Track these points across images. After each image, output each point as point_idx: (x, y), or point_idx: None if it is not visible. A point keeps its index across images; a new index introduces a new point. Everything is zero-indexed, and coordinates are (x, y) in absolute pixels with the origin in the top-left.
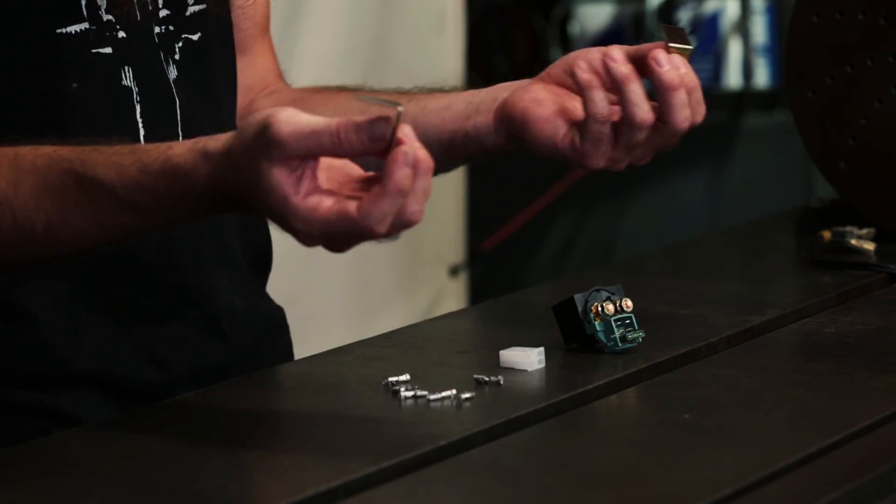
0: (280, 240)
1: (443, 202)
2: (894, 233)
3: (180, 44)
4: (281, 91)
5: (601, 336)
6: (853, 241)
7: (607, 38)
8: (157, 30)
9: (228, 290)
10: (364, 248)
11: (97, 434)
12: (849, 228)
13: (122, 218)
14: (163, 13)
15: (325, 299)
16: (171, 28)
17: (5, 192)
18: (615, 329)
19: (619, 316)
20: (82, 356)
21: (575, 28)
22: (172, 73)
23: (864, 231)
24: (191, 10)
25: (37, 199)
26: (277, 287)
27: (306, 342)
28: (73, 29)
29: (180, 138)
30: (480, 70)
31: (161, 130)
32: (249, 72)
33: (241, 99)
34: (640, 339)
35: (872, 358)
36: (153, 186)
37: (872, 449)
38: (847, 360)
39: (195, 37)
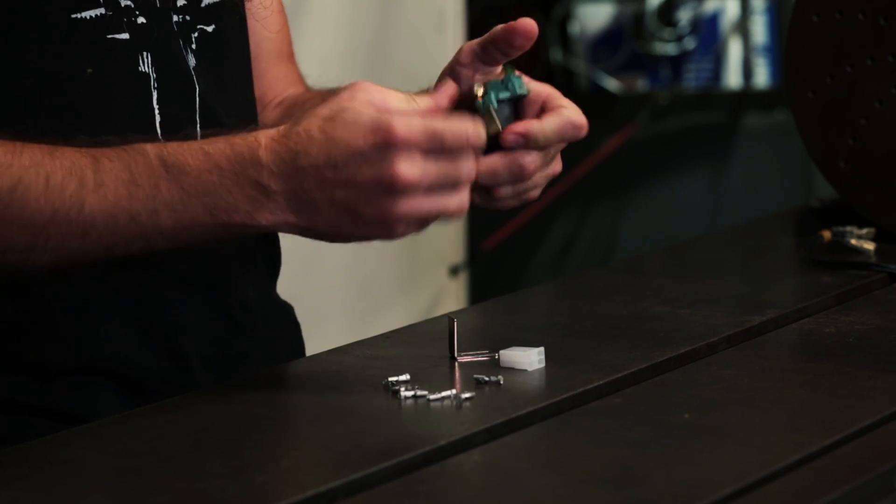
0: (280, 239)
1: None
2: (894, 233)
3: (196, 34)
4: (287, 99)
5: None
6: (853, 241)
7: (607, 38)
8: (174, 18)
9: (241, 281)
10: (364, 248)
11: (98, 433)
12: (849, 228)
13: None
14: (180, 2)
15: (325, 299)
16: (188, 18)
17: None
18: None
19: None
20: (97, 343)
21: (575, 28)
22: (192, 60)
23: (864, 231)
24: (206, 1)
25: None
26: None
27: (306, 342)
28: (88, 14)
29: (198, 125)
30: None
31: (178, 117)
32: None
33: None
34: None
35: (872, 358)
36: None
37: (872, 449)
38: (847, 360)
39: (210, 28)
